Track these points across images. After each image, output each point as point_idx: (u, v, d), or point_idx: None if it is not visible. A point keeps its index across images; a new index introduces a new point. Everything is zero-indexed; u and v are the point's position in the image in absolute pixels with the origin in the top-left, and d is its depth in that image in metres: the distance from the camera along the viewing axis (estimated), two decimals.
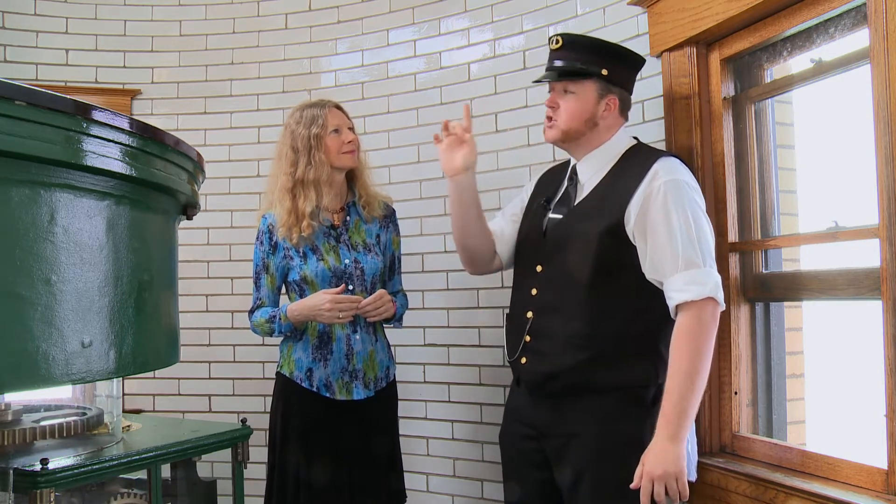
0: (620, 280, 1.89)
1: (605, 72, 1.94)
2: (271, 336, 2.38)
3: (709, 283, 1.79)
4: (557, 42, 1.99)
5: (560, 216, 2.01)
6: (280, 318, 2.32)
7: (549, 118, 2.01)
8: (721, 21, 2.00)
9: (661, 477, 1.74)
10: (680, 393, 1.77)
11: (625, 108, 2.02)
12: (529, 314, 2.00)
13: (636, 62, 2.05)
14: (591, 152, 2.00)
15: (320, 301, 2.24)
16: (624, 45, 2.32)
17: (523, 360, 2.01)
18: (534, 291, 2.01)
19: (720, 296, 1.80)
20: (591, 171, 2.01)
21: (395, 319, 2.44)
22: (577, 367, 1.88)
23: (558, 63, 1.98)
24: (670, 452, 1.75)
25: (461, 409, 2.82)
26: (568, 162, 2.11)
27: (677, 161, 1.93)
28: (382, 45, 3.01)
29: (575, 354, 1.89)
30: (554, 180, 2.14)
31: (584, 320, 1.89)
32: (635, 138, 2.06)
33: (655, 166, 1.88)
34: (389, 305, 2.33)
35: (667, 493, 1.75)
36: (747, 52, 2.08)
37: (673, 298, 1.81)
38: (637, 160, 1.94)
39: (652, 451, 1.78)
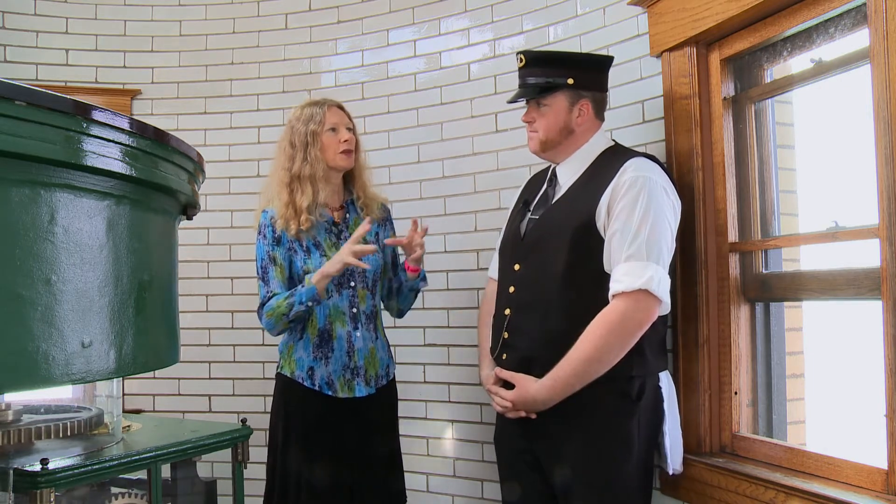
0: (595, 276, 1.92)
1: (571, 80, 2.02)
2: (287, 316, 2.28)
3: (644, 275, 1.82)
4: (521, 60, 2.08)
5: (537, 217, 2.07)
6: (300, 287, 2.27)
7: (532, 130, 2.10)
8: (721, 21, 2.00)
9: (521, 407, 1.96)
10: (573, 372, 1.87)
11: (599, 109, 2.09)
12: (507, 311, 2.05)
13: (602, 63, 2.11)
14: (569, 156, 2.08)
15: (342, 249, 2.25)
16: (623, 45, 2.34)
17: (503, 357, 2.06)
18: (512, 289, 2.06)
19: (657, 290, 1.83)
20: (569, 173, 2.07)
21: (421, 279, 2.46)
22: (553, 363, 1.91)
23: (528, 80, 2.07)
24: (538, 404, 1.93)
25: (461, 409, 2.82)
26: (550, 166, 2.17)
27: (649, 160, 1.98)
28: (382, 45, 3.00)
29: (551, 350, 1.92)
30: (536, 183, 2.21)
31: (560, 316, 1.93)
32: (614, 141, 2.12)
33: (627, 164, 1.93)
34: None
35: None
36: (747, 52, 2.08)
37: (609, 289, 1.86)
38: (611, 159, 2.00)
39: (535, 390, 1.92)
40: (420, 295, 2.57)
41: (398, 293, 2.49)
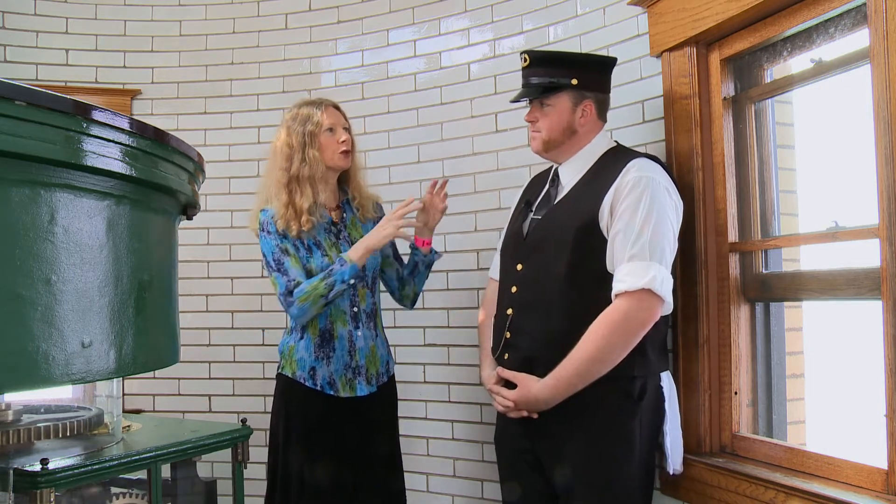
0: (597, 276, 1.92)
1: (574, 81, 2.02)
2: (326, 297, 2.24)
3: (647, 275, 1.82)
4: (525, 60, 2.07)
5: (540, 217, 2.07)
6: (340, 265, 2.26)
7: (535, 129, 2.10)
8: (721, 21, 2.00)
9: (523, 407, 1.96)
10: (576, 371, 1.87)
11: (602, 110, 2.09)
12: (509, 311, 2.06)
13: (606, 64, 2.11)
14: (572, 157, 2.08)
15: (382, 223, 2.30)
16: (623, 45, 2.34)
17: (505, 356, 2.06)
18: (514, 289, 2.06)
19: (660, 290, 1.84)
20: (571, 173, 2.08)
21: (434, 251, 2.48)
22: (555, 363, 1.91)
23: (531, 80, 2.06)
24: (540, 404, 1.93)
25: (461, 409, 2.82)
26: (552, 166, 2.17)
27: (652, 161, 1.98)
28: (382, 45, 3.00)
29: (553, 350, 1.92)
30: (538, 184, 2.21)
31: (562, 316, 1.93)
32: (616, 141, 2.13)
33: (629, 165, 1.94)
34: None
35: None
36: (747, 52, 2.08)
37: (613, 288, 1.86)
38: (614, 160, 2.01)
39: (537, 390, 1.92)
40: (420, 295, 2.57)
41: (414, 275, 2.49)
